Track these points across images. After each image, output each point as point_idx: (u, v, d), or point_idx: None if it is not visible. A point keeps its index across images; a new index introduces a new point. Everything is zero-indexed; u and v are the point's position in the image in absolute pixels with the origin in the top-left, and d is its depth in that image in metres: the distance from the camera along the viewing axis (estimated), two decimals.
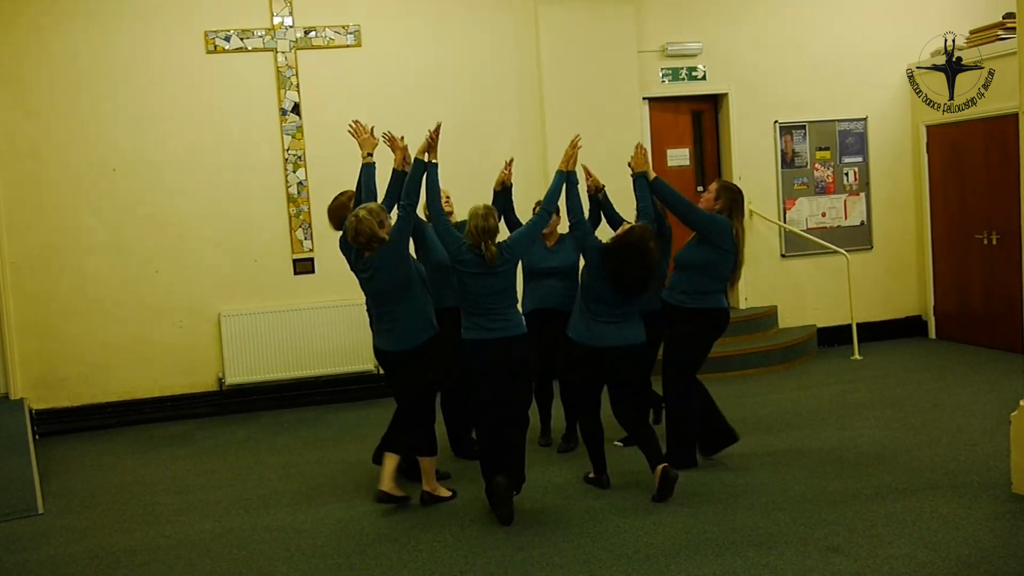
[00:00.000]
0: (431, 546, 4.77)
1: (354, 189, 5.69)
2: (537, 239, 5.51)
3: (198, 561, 4.78)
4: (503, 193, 6.13)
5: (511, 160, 6.15)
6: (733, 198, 5.60)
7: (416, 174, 5.20)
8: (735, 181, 9.06)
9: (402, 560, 4.62)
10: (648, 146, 9.06)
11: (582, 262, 5.49)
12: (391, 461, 5.33)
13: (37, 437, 7.43)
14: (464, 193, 8.39)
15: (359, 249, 5.13)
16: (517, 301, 5.17)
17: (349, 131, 5.75)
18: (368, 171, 5.51)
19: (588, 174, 5.97)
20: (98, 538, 5.20)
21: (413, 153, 5.32)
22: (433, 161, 5.25)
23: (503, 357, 5.06)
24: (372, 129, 5.70)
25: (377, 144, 5.65)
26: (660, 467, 5.15)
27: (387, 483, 5.27)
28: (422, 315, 5.22)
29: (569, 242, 6.20)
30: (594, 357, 5.26)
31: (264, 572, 4.61)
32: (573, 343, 5.33)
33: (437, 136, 5.29)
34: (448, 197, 6.24)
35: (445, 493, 5.44)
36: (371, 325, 5.54)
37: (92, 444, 7.44)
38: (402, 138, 5.54)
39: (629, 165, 5.69)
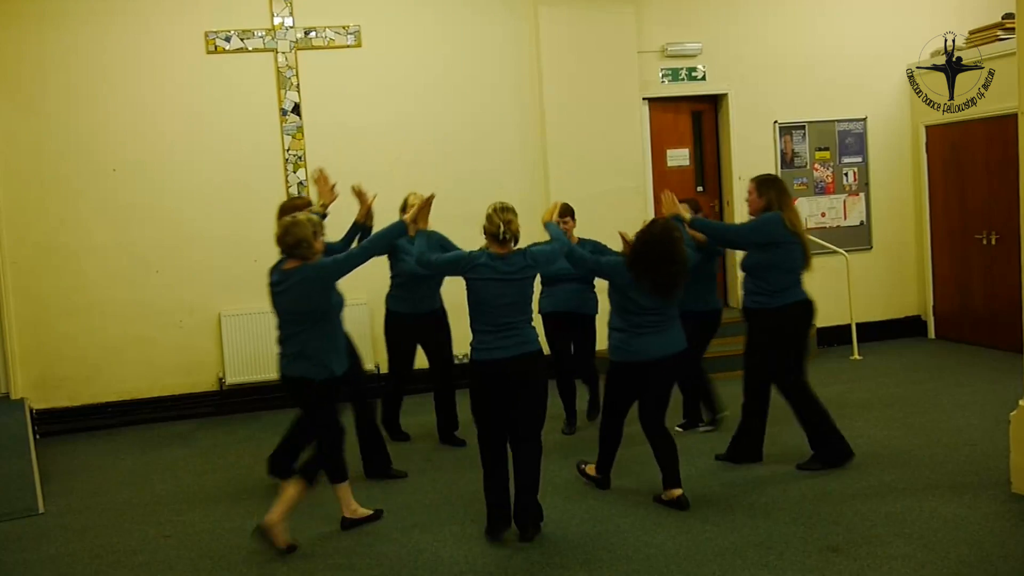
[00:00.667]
0: (431, 546, 4.78)
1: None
2: (555, 263, 5.04)
3: (198, 561, 4.78)
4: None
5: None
6: (775, 188, 5.55)
7: (391, 233, 4.90)
8: (735, 181, 9.12)
9: (402, 560, 4.62)
10: (648, 146, 9.07)
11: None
12: (293, 488, 4.86)
13: (37, 437, 7.43)
14: (463, 193, 8.44)
15: (284, 256, 4.82)
16: (532, 317, 4.80)
17: (314, 177, 5.84)
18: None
19: (625, 240, 5.49)
20: (98, 538, 5.20)
21: (407, 215, 5.03)
22: (421, 229, 4.92)
23: (517, 376, 4.67)
24: (335, 186, 5.75)
25: (336, 199, 5.71)
26: (678, 493, 5.08)
27: (275, 516, 4.83)
28: (333, 348, 4.87)
29: (585, 246, 6.43)
30: (635, 372, 5.11)
31: (264, 572, 4.61)
32: (615, 364, 5.17)
33: (429, 206, 4.93)
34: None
35: (366, 512, 5.15)
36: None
37: (92, 444, 7.44)
38: (374, 196, 5.47)
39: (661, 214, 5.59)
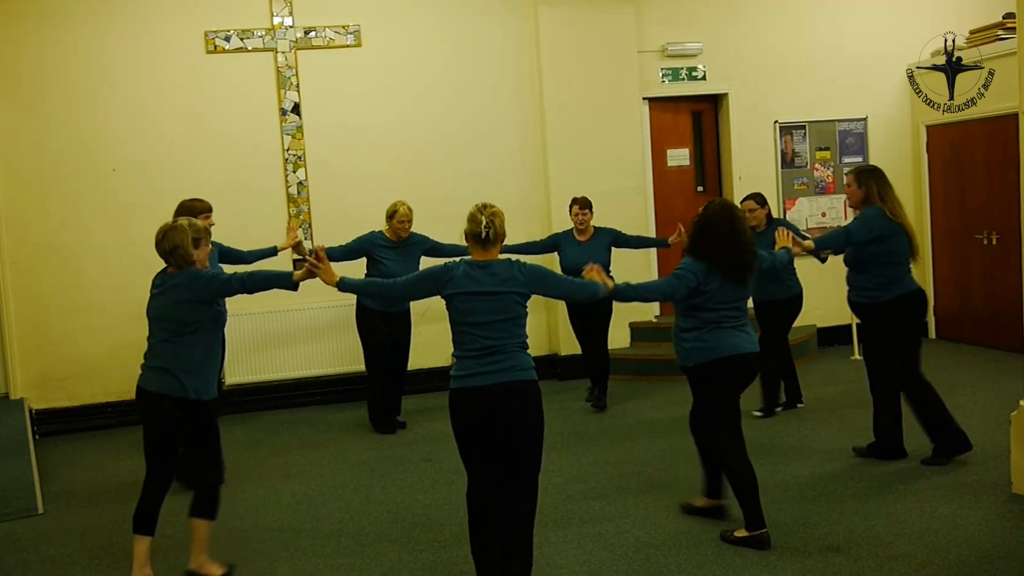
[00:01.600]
0: (431, 546, 4.78)
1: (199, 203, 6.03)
2: (552, 296, 4.37)
3: None
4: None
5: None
6: (873, 179, 5.50)
7: (277, 282, 4.39)
8: (735, 181, 9.12)
9: (402, 560, 4.62)
10: (648, 146, 9.07)
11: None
12: (201, 529, 4.49)
13: (37, 437, 7.43)
14: (463, 193, 8.43)
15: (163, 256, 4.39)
16: (527, 346, 4.02)
17: (290, 228, 6.90)
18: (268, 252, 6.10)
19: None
20: (98, 538, 5.20)
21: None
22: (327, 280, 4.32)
23: (504, 410, 3.86)
24: (300, 242, 6.67)
25: (292, 245, 6.60)
26: (718, 502, 4.89)
27: (200, 557, 4.48)
28: (205, 366, 4.39)
29: (603, 237, 7.31)
30: (731, 365, 4.53)
31: (264, 572, 4.61)
32: (701, 365, 4.56)
33: (320, 261, 4.35)
34: (409, 222, 6.92)
35: (221, 570, 4.52)
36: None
37: (92, 444, 7.44)
38: (319, 252, 4.59)
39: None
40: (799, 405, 7.05)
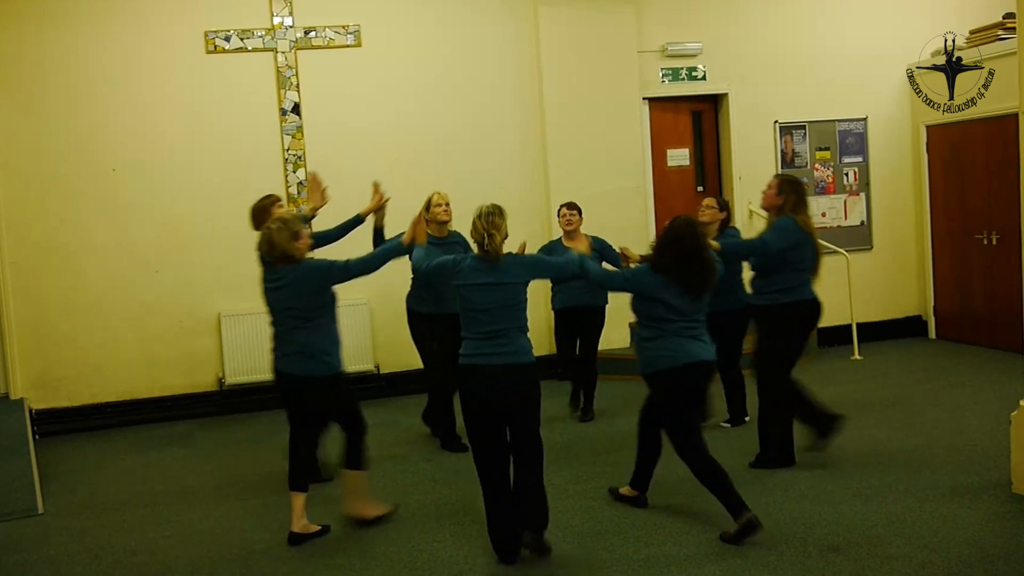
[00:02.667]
0: (431, 546, 4.78)
1: (276, 197, 5.80)
2: (547, 278, 5.08)
3: (198, 561, 4.78)
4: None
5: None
6: (795, 190, 5.56)
7: (388, 255, 4.89)
8: (735, 181, 9.12)
9: (402, 560, 4.62)
10: (648, 146, 9.07)
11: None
12: (352, 479, 5.05)
13: (37, 437, 7.43)
14: (463, 193, 8.43)
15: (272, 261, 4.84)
16: (528, 329, 4.51)
17: (308, 179, 5.94)
18: (306, 219, 5.56)
19: (626, 255, 5.30)
20: (98, 538, 5.20)
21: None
22: (419, 244, 4.85)
23: (507, 388, 4.37)
24: (326, 190, 5.82)
25: (325, 204, 5.82)
26: (639, 495, 5.13)
27: (354, 504, 5.04)
28: (327, 346, 4.86)
29: (594, 243, 6.92)
30: (689, 374, 4.72)
31: (264, 572, 4.61)
32: (659, 373, 4.74)
33: (421, 223, 4.94)
34: (447, 205, 6.43)
35: (381, 510, 5.12)
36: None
37: (92, 444, 7.44)
38: (387, 199, 5.46)
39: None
40: (741, 421, 6.71)
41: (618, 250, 5.57)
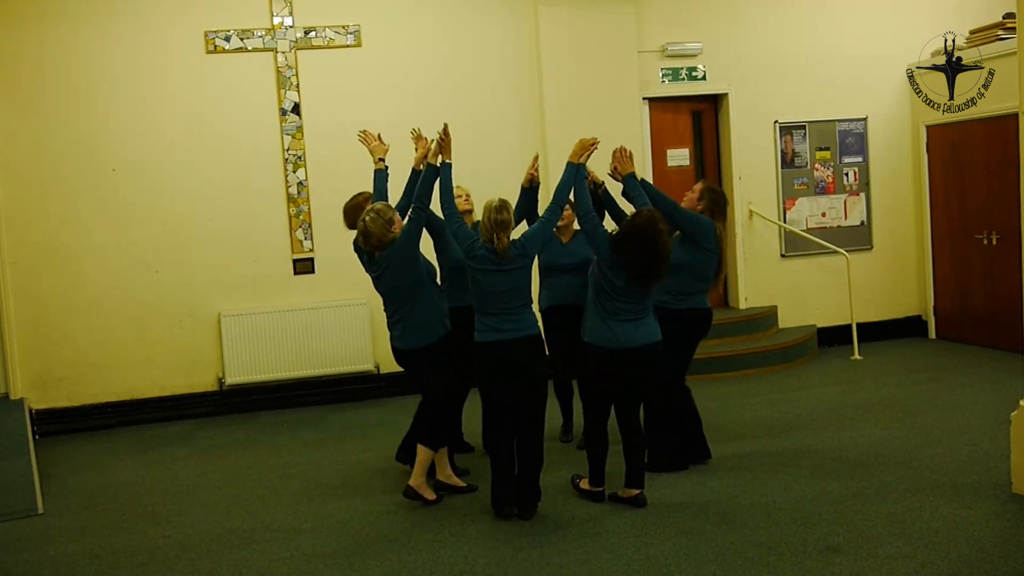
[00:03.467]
0: (431, 546, 4.78)
1: (370, 191, 5.78)
2: (551, 235, 5.43)
3: (198, 561, 4.78)
4: (529, 192, 6.17)
5: (536, 156, 6.23)
6: (715, 199, 5.62)
7: (428, 178, 5.24)
8: (735, 181, 9.13)
9: (402, 560, 4.62)
10: (648, 146, 9.07)
11: None
12: (423, 454, 5.35)
13: (37, 437, 7.43)
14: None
15: (370, 251, 5.20)
16: (531, 302, 5.08)
17: (359, 139, 5.96)
18: (380, 176, 5.70)
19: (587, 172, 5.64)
20: (98, 538, 5.20)
21: (429, 157, 5.34)
22: (447, 161, 5.28)
23: (517, 358, 4.98)
24: (380, 136, 5.86)
25: (388, 149, 5.85)
26: (636, 492, 5.16)
27: (417, 478, 5.35)
28: (433, 315, 5.28)
29: (585, 237, 6.25)
30: (617, 360, 5.00)
31: (264, 572, 4.61)
32: (594, 347, 5.06)
33: (447, 136, 5.30)
34: (468, 195, 6.46)
35: (458, 483, 5.57)
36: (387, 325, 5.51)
37: (92, 444, 7.44)
38: (424, 138, 5.61)
39: (612, 174, 5.61)
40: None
41: (591, 176, 5.67)
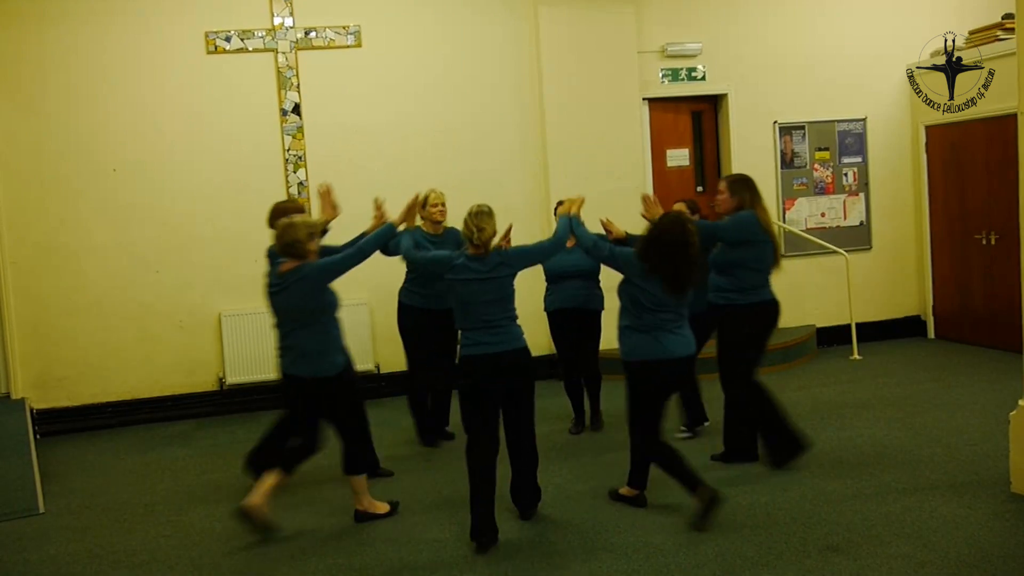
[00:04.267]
0: (431, 546, 4.78)
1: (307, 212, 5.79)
2: (538, 261, 5.28)
3: (198, 561, 4.78)
4: None
5: (509, 227, 5.37)
6: (745, 187, 5.56)
7: (384, 234, 5.15)
8: None
9: (402, 560, 4.63)
10: (648, 146, 9.08)
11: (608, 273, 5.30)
12: (357, 481, 5.18)
13: (38, 437, 7.43)
14: (463, 193, 8.41)
15: (280, 258, 4.96)
16: (517, 316, 4.88)
17: (319, 190, 5.84)
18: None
19: (608, 229, 5.54)
20: (98, 538, 5.20)
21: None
22: (410, 228, 5.23)
23: (507, 372, 4.77)
24: (335, 204, 5.74)
25: (338, 216, 5.74)
26: (635, 492, 5.16)
27: (361, 502, 5.21)
28: (330, 344, 4.96)
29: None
30: (666, 370, 4.84)
31: (264, 572, 4.61)
32: (639, 363, 4.86)
33: (416, 206, 5.35)
34: (443, 205, 6.53)
35: (383, 509, 5.25)
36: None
37: (92, 444, 7.44)
38: (381, 213, 5.40)
39: (645, 216, 5.39)
40: (701, 425, 6.57)
41: (602, 222, 5.59)
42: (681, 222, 4.81)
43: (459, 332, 4.94)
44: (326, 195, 5.75)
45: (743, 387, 5.63)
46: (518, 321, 4.88)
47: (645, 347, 4.84)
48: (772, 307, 5.61)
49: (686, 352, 4.90)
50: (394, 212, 5.38)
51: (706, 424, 6.55)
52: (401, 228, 5.27)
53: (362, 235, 5.62)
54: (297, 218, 5.01)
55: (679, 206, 6.30)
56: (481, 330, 4.76)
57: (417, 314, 6.49)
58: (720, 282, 5.62)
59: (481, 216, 4.78)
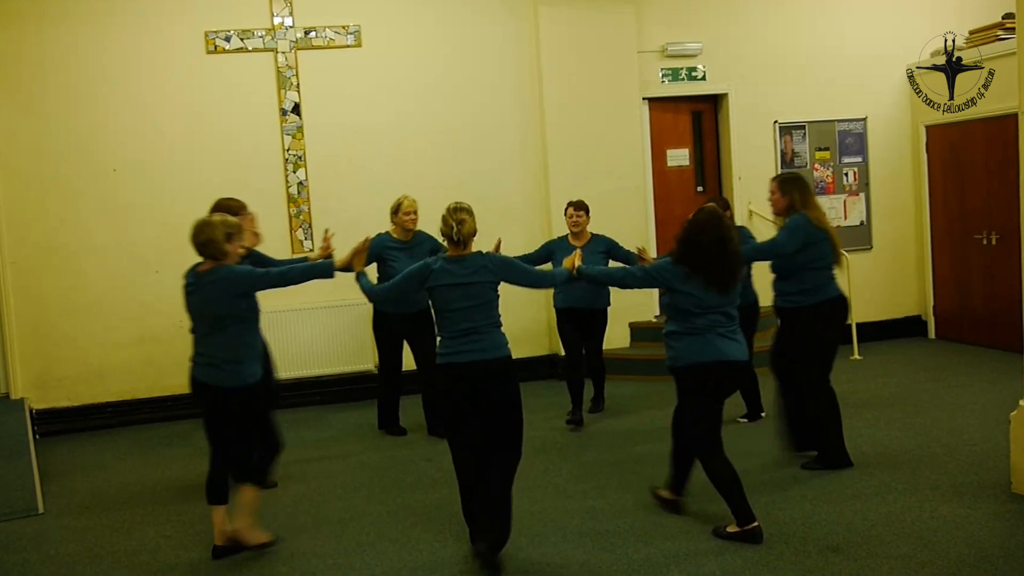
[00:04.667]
0: (431, 546, 4.78)
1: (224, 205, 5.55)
2: (519, 283, 4.70)
3: (198, 561, 4.78)
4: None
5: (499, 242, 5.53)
6: (797, 187, 5.49)
7: (314, 271, 4.90)
8: (735, 181, 9.13)
9: (402, 560, 4.62)
10: (648, 146, 9.07)
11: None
12: (249, 493, 4.78)
13: (37, 437, 7.43)
14: (463, 193, 8.39)
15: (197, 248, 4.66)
16: (501, 325, 4.53)
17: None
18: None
19: (643, 257, 5.57)
20: (98, 538, 5.20)
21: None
22: (358, 271, 4.83)
23: (484, 383, 4.38)
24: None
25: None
26: (678, 498, 4.99)
27: (243, 520, 4.77)
28: (246, 353, 4.67)
29: (599, 244, 6.91)
30: (722, 373, 4.64)
31: (264, 572, 4.61)
32: (693, 367, 4.62)
33: (365, 249, 4.96)
34: (415, 213, 6.71)
35: (262, 539, 4.81)
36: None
37: (92, 444, 7.44)
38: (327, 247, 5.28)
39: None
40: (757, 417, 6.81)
41: (635, 251, 5.59)
42: (716, 217, 4.65)
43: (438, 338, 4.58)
44: (326, 243, 5.37)
45: (821, 392, 5.52)
46: (503, 328, 4.54)
47: (694, 349, 4.61)
48: (840, 303, 5.52)
49: (740, 356, 4.66)
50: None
51: (763, 416, 6.72)
52: (351, 268, 4.93)
53: (304, 258, 5.67)
54: (216, 217, 4.75)
55: (711, 206, 6.35)
56: (460, 338, 4.41)
57: (391, 319, 6.77)
58: (783, 286, 5.55)
59: (460, 211, 4.47)
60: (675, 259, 4.67)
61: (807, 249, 5.40)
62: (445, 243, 4.55)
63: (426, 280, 4.48)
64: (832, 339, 5.57)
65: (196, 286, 4.68)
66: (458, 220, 4.43)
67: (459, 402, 4.44)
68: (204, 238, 4.61)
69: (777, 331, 5.75)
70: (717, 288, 4.58)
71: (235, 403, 4.64)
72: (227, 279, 4.60)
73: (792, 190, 5.50)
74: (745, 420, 6.79)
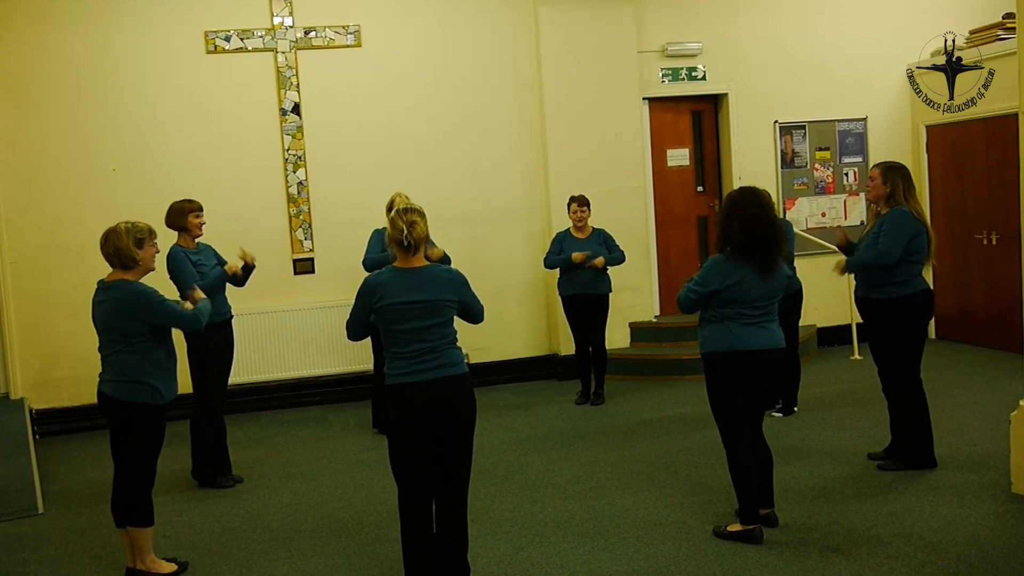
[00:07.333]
0: None
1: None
2: (469, 318, 4.21)
3: (198, 561, 4.78)
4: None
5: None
6: (900, 176, 5.37)
7: (220, 282, 5.08)
8: (735, 181, 9.11)
9: (402, 560, 4.61)
10: (648, 146, 9.07)
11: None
12: (142, 535, 4.54)
13: (37, 437, 7.43)
14: (463, 193, 8.45)
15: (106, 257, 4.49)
16: (455, 339, 4.05)
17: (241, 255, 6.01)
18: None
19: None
20: (98, 538, 5.20)
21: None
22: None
23: (439, 402, 3.94)
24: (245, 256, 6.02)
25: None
26: (766, 511, 4.72)
27: (143, 560, 4.55)
28: (141, 376, 4.42)
29: (600, 236, 7.52)
30: (759, 361, 4.48)
31: (264, 572, 4.61)
32: (728, 354, 4.48)
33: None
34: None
35: (167, 569, 4.57)
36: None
37: (92, 444, 7.43)
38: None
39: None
40: (790, 411, 6.85)
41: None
42: (752, 191, 4.53)
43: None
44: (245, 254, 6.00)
45: (913, 385, 5.42)
46: (457, 344, 4.07)
47: (715, 339, 4.51)
48: (928, 296, 5.44)
49: (765, 345, 4.48)
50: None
51: (795, 410, 6.82)
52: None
53: (224, 274, 5.91)
54: (121, 224, 4.50)
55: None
56: (413, 358, 3.92)
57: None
58: (874, 277, 5.40)
59: (411, 211, 3.96)
60: (721, 249, 4.52)
61: (908, 242, 5.29)
62: (393, 250, 4.03)
63: (374, 299, 3.93)
64: (919, 332, 5.46)
65: (102, 297, 4.41)
66: (409, 222, 3.90)
67: (414, 428, 3.95)
68: (111, 247, 4.40)
69: (868, 327, 5.59)
70: (762, 269, 4.40)
71: (120, 417, 4.41)
72: (128, 298, 4.33)
73: (896, 178, 5.36)
74: (779, 414, 6.76)
